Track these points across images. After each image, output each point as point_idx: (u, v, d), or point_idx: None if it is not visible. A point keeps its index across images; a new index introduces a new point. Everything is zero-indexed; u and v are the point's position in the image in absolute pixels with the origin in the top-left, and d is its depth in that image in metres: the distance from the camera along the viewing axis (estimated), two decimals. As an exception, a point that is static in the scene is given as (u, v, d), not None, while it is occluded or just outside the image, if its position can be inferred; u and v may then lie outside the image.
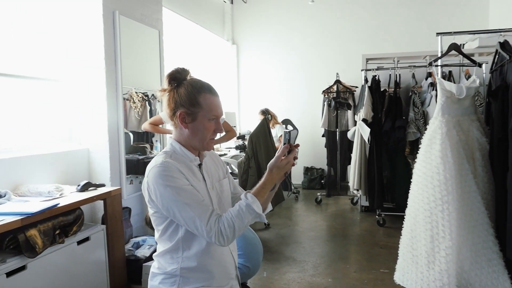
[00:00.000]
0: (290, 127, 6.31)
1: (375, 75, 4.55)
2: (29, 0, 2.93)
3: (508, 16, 5.37)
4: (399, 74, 4.43)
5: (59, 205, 2.30)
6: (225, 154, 5.30)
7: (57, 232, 2.32)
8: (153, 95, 3.81)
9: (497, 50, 2.56)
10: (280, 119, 6.19)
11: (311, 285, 3.00)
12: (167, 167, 1.33)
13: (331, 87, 5.78)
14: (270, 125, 5.28)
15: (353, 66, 6.01)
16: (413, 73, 4.41)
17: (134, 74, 3.64)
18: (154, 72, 3.98)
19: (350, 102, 5.66)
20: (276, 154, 1.38)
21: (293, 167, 1.43)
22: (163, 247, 1.43)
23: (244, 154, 4.45)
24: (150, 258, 2.98)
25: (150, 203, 1.38)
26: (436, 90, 2.80)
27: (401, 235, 2.65)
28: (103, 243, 2.73)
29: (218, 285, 1.45)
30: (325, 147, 5.94)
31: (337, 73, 5.74)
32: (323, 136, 5.99)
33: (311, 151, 6.68)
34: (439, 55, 2.85)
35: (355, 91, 5.83)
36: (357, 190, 4.72)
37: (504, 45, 2.48)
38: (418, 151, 2.59)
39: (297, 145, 1.44)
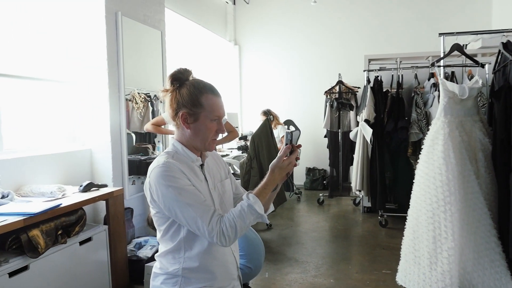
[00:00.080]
0: (292, 128, 6.30)
1: (378, 76, 4.55)
2: (33, 2, 2.94)
3: (511, 17, 5.35)
4: (402, 75, 4.42)
5: (61, 206, 2.31)
6: (227, 155, 5.30)
7: (60, 232, 2.33)
8: (155, 95, 3.81)
9: (500, 51, 2.56)
10: (282, 120, 6.19)
11: (313, 286, 3.00)
12: (169, 167, 1.33)
13: (333, 87, 5.77)
14: (272, 126, 5.28)
15: (355, 66, 6.00)
16: (416, 74, 4.40)
17: (137, 75, 3.64)
18: (157, 73, 3.98)
19: (352, 102, 5.65)
20: (278, 155, 1.38)
21: (295, 167, 1.43)
22: (165, 247, 1.43)
23: (246, 155, 4.45)
24: (152, 259, 2.98)
25: (152, 203, 1.38)
26: (438, 91, 2.79)
27: (403, 236, 2.65)
28: (105, 244, 2.74)
29: (220, 286, 1.45)
30: (327, 147, 5.94)
31: (339, 74, 5.73)
32: (325, 136, 5.98)
33: (313, 151, 6.68)
34: (442, 55, 2.85)
35: (357, 91, 5.82)
36: (359, 191, 4.71)
37: (507, 45, 2.47)
38: (421, 152, 2.59)
39: (299, 146, 1.44)
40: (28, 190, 2.56)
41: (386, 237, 4.11)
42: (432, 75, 4.22)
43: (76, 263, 2.46)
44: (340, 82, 5.67)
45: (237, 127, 5.88)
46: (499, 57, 2.59)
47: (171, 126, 3.34)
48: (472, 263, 2.37)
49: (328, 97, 5.84)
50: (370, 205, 4.80)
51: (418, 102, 4.15)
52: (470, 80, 2.95)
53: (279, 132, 5.66)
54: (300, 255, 3.62)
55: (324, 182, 6.63)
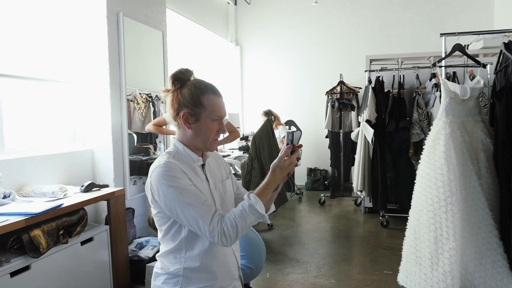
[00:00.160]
0: (293, 128, 6.30)
1: (379, 76, 4.55)
2: (34, 2, 2.94)
3: (513, 17, 5.34)
4: (403, 75, 4.42)
5: (63, 206, 2.31)
6: (228, 155, 5.30)
7: (61, 232, 2.33)
8: (156, 96, 3.82)
9: (501, 51, 2.55)
10: (283, 120, 6.19)
11: (314, 286, 2.99)
12: (170, 167, 1.33)
13: (334, 88, 5.77)
14: (273, 126, 5.28)
15: (356, 67, 6.00)
16: (417, 74, 4.40)
17: (138, 75, 3.65)
18: (158, 73, 3.99)
19: (354, 103, 5.64)
20: (279, 155, 1.38)
21: (297, 168, 1.43)
22: (166, 247, 1.43)
23: (248, 155, 4.45)
24: (153, 259, 2.99)
25: (153, 203, 1.39)
26: (440, 91, 2.78)
27: (404, 236, 2.64)
28: (107, 244, 2.74)
29: (221, 286, 1.45)
30: (329, 148, 5.93)
31: (341, 74, 5.72)
32: (326, 137, 5.98)
33: (315, 152, 6.68)
34: (443, 55, 2.84)
35: (358, 92, 5.82)
36: (361, 191, 4.71)
37: (508, 45, 2.47)
38: (422, 152, 2.58)
39: (300, 146, 1.43)
40: (29, 190, 2.56)
41: (388, 237, 4.10)
42: (434, 75, 4.21)
43: (77, 263, 2.46)
44: (341, 83, 5.66)
45: (238, 127, 5.87)
46: (501, 57, 2.58)
47: (172, 127, 3.34)
48: (474, 264, 2.36)
49: (329, 97, 5.83)
50: (372, 205, 4.80)
51: (419, 103, 4.15)
52: (471, 80, 2.95)
53: (280, 133, 5.67)
54: (301, 255, 3.62)
55: (326, 182, 6.63)
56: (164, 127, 3.58)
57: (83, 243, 2.52)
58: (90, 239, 2.58)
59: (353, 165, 5.17)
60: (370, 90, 4.45)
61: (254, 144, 4.28)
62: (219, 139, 1.49)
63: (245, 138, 5.94)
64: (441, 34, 2.88)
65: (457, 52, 2.82)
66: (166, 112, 1.53)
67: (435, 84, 4.10)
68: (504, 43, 2.51)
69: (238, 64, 7.18)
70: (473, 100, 2.53)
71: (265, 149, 4.24)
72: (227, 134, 3.78)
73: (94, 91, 3.25)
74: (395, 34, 6.43)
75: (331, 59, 6.71)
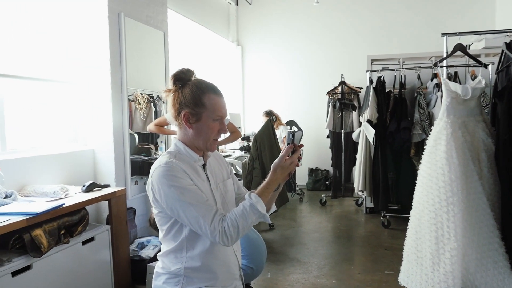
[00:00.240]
0: (294, 128, 6.30)
1: (380, 76, 4.54)
2: (36, 3, 2.95)
3: (515, 17, 5.34)
4: (404, 75, 4.42)
5: (64, 205, 2.31)
6: (229, 155, 5.31)
7: (62, 232, 2.34)
8: (158, 96, 3.82)
9: (503, 51, 2.55)
10: (284, 120, 6.19)
11: (315, 286, 2.99)
12: (172, 167, 1.33)
13: (336, 88, 5.77)
14: (274, 126, 5.28)
15: (358, 67, 5.99)
16: (419, 74, 4.39)
17: (139, 76, 3.65)
18: (159, 73, 3.99)
19: (355, 103, 5.64)
20: (280, 154, 1.38)
21: (298, 168, 1.43)
22: (167, 247, 1.44)
23: (249, 155, 4.46)
24: (154, 259, 2.99)
25: (155, 203, 1.39)
26: (441, 91, 2.78)
27: (405, 236, 2.64)
28: (108, 244, 2.74)
29: (222, 286, 1.46)
30: (330, 148, 5.93)
31: (342, 74, 5.72)
32: (328, 137, 5.98)
33: (316, 152, 6.68)
34: (445, 55, 2.84)
35: (360, 92, 5.82)
36: (362, 191, 4.71)
37: (510, 45, 2.47)
38: (423, 152, 2.58)
39: (301, 145, 1.43)
40: (31, 190, 2.57)
41: (389, 237, 4.10)
42: (435, 75, 4.21)
43: (78, 263, 2.46)
44: (342, 83, 5.66)
45: (239, 127, 5.89)
46: (502, 57, 2.58)
47: (173, 127, 3.34)
48: (475, 264, 2.36)
49: (330, 97, 5.83)
50: (373, 205, 4.79)
51: (421, 103, 4.14)
52: (473, 80, 2.94)
53: (281, 133, 5.67)
54: (302, 255, 3.62)
55: (327, 182, 6.62)
56: (165, 127, 3.58)
57: (84, 243, 2.52)
58: (91, 239, 2.58)
59: (355, 165, 5.17)
60: (372, 90, 4.45)
61: (255, 144, 4.28)
62: (220, 139, 1.49)
63: (246, 138, 5.94)
64: (442, 34, 2.88)
65: (458, 52, 2.82)
66: (168, 112, 1.53)
67: (436, 84, 4.10)
68: (505, 43, 2.51)
69: (239, 64, 7.19)
70: (475, 100, 2.53)
71: (266, 149, 4.24)
72: (228, 134, 3.78)
73: (95, 91, 3.26)
74: (396, 34, 6.42)
75: (332, 59, 6.70)
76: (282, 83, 7.02)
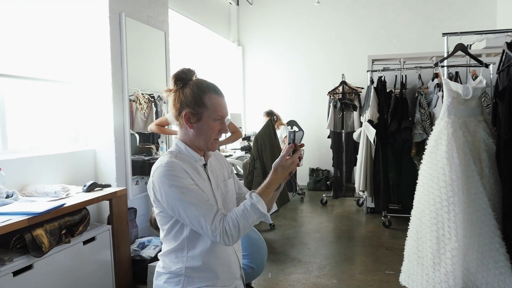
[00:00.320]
0: (295, 128, 6.30)
1: (381, 76, 4.54)
2: (38, 4, 2.96)
3: (516, 17, 5.33)
4: (405, 75, 4.41)
5: (65, 205, 2.32)
6: (230, 155, 5.31)
7: (63, 232, 2.34)
8: (159, 96, 3.82)
9: (504, 51, 2.55)
10: (285, 121, 6.19)
11: (316, 286, 2.99)
12: (172, 166, 1.33)
13: (336, 88, 5.77)
14: (275, 126, 5.28)
15: (358, 67, 5.99)
16: (419, 74, 4.39)
17: (140, 76, 3.66)
18: (160, 73, 4.00)
19: (356, 103, 5.64)
20: (281, 154, 1.38)
21: (299, 168, 1.43)
22: (168, 246, 1.44)
23: (250, 155, 4.46)
24: (155, 259, 2.99)
25: (155, 203, 1.39)
26: (442, 91, 2.78)
27: (406, 236, 2.64)
28: (109, 243, 2.74)
29: (223, 285, 1.46)
30: (331, 148, 5.93)
31: (343, 74, 5.72)
32: (328, 137, 5.98)
33: (317, 152, 6.68)
34: (445, 55, 2.84)
35: (361, 92, 5.82)
36: (363, 191, 4.71)
37: (511, 45, 2.46)
38: (424, 152, 2.58)
39: (302, 145, 1.44)
40: (32, 190, 2.57)
41: (390, 237, 4.09)
42: (436, 75, 4.20)
43: (79, 263, 2.47)
44: (343, 83, 5.66)
45: (240, 127, 5.89)
46: (503, 57, 2.58)
47: (174, 127, 3.35)
48: (476, 264, 2.35)
49: (331, 97, 5.83)
50: (374, 205, 4.79)
51: (421, 103, 4.14)
52: (474, 80, 2.94)
53: (282, 133, 5.67)
54: (303, 255, 3.62)
55: (328, 182, 6.62)
56: (166, 127, 3.59)
57: (85, 242, 2.52)
58: (92, 239, 2.59)
59: (355, 165, 5.16)
60: (372, 90, 4.45)
61: (256, 144, 4.28)
62: (221, 139, 1.49)
63: (247, 138, 5.94)
64: (443, 34, 2.87)
65: (459, 52, 2.81)
66: (168, 112, 1.54)
67: (437, 84, 4.09)
68: (506, 42, 2.51)
69: (240, 64, 7.19)
70: (476, 100, 2.52)
71: (267, 149, 4.24)
72: (229, 134, 3.78)
73: (96, 92, 3.26)
74: (397, 34, 6.42)
75: (333, 59, 6.70)
76: (283, 83, 7.02)
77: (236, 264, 1.52)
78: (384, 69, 4.70)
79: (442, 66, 2.87)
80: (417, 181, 2.61)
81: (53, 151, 2.96)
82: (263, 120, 5.40)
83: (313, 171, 6.74)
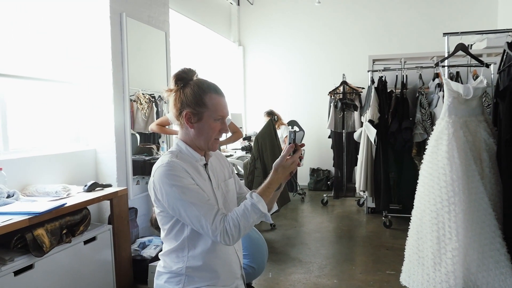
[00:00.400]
0: (296, 128, 6.30)
1: (382, 76, 4.54)
2: (39, 3, 2.96)
3: (517, 17, 5.32)
4: (406, 75, 4.41)
5: (66, 205, 2.32)
6: (231, 155, 5.31)
7: (64, 231, 2.34)
8: (159, 96, 3.83)
9: (505, 50, 2.54)
10: (286, 121, 6.19)
11: (316, 286, 2.99)
12: (173, 166, 1.34)
13: (337, 88, 5.76)
14: (276, 126, 5.28)
15: (359, 67, 5.99)
16: (420, 74, 4.38)
17: (141, 76, 3.66)
18: (161, 73, 4.00)
19: (357, 103, 5.64)
20: (281, 154, 1.38)
21: (299, 168, 1.43)
22: (169, 246, 1.44)
23: (250, 155, 4.46)
24: (156, 258, 2.99)
25: (156, 202, 1.39)
26: (443, 91, 2.77)
27: (407, 236, 2.64)
28: (110, 243, 2.75)
29: (223, 285, 1.46)
30: (332, 148, 5.93)
31: (344, 74, 5.72)
32: (329, 137, 5.98)
33: (317, 152, 6.68)
34: (446, 55, 2.83)
35: (361, 92, 5.82)
36: (364, 191, 4.70)
37: (512, 45, 2.46)
38: (425, 152, 2.57)
39: (302, 145, 1.44)
40: (33, 190, 2.58)
41: (390, 237, 4.09)
42: (437, 75, 4.20)
43: (80, 262, 2.47)
44: (344, 83, 5.66)
45: (241, 127, 5.89)
46: (504, 56, 2.57)
47: (175, 126, 3.35)
48: (477, 264, 2.35)
49: (332, 97, 5.83)
50: (374, 205, 4.79)
51: (422, 103, 4.14)
52: (475, 80, 2.94)
53: (282, 132, 5.67)
54: (304, 255, 3.62)
55: (328, 182, 6.62)
56: (167, 127, 3.59)
57: (86, 242, 2.53)
58: (93, 239, 2.59)
59: (356, 165, 5.16)
60: (373, 90, 4.44)
61: (257, 144, 4.28)
62: (221, 139, 1.49)
63: (247, 138, 5.95)
64: (444, 33, 2.87)
65: (460, 52, 2.81)
66: (169, 111, 1.54)
67: (438, 84, 4.09)
68: (507, 42, 2.51)
69: (241, 64, 7.19)
70: (476, 99, 2.52)
71: (268, 149, 4.24)
72: (229, 134, 3.78)
73: (97, 91, 3.27)
74: (398, 34, 6.41)
75: (334, 59, 6.70)
76: (283, 83, 7.02)
77: (236, 264, 1.53)
78: (384, 69, 4.69)
79: (443, 66, 2.87)
80: (417, 181, 2.61)
81: (54, 151, 2.97)
82: (264, 120, 5.40)
83: (314, 171, 6.74)
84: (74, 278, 2.41)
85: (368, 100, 4.58)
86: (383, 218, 4.46)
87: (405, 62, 4.57)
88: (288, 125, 6.13)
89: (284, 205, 4.52)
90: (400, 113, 4.26)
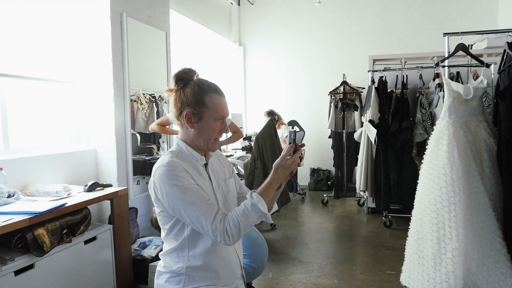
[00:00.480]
0: (296, 128, 6.30)
1: (382, 76, 4.54)
2: (40, 3, 2.96)
3: (517, 17, 5.32)
4: (406, 75, 4.41)
5: (66, 205, 2.32)
6: (231, 155, 5.31)
7: (65, 231, 2.35)
8: (160, 96, 3.83)
9: (505, 50, 2.54)
10: (286, 121, 6.19)
11: (316, 286, 2.99)
12: (173, 166, 1.34)
13: (337, 88, 5.77)
14: (276, 126, 5.28)
15: (359, 67, 5.99)
16: (421, 74, 4.39)
17: (141, 76, 3.66)
18: (161, 73, 4.00)
19: (357, 103, 5.64)
20: (282, 154, 1.38)
21: (300, 168, 1.43)
22: (169, 246, 1.44)
23: (250, 155, 4.46)
24: (156, 258, 3.00)
25: (156, 202, 1.39)
26: (443, 91, 2.77)
27: (407, 236, 2.64)
28: (110, 243, 2.75)
29: (224, 284, 1.46)
30: (332, 148, 5.93)
31: (344, 74, 5.73)
32: (329, 137, 5.98)
33: (318, 152, 6.68)
34: (446, 55, 2.83)
35: (362, 92, 5.82)
36: (364, 191, 4.70)
37: (512, 45, 2.46)
38: (425, 152, 2.57)
39: (303, 145, 1.43)
40: (33, 190, 2.58)
41: (390, 237, 4.09)
42: (437, 75, 4.20)
43: (80, 262, 2.47)
44: (344, 83, 5.66)
45: (241, 127, 5.89)
46: (505, 56, 2.57)
47: (176, 126, 3.35)
48: (477, 264, 2.35)
49: (332, 97, 5.83)
50: (375, 205, 4.79)
51: (423, 103, 4.14)
52: (475, 80, 2.94)
53: (282, 132, 5.67)
54: (304, 255, 3.62)
55: (329, 182, 6.62)
56: (167, 126, 3.59)
57: (86, 242, 2.53)
58: (94, 238, 2.59)
59: (356, 165, 5.16)
60: (373, 90, 4.45)
61: (257, 144, 4.29)
62: (221, 139, 1.49)
63: (248, 138, 5.95)
64: (444, 33, 2.87)
65: (460, 52, 2.81)
66: (169, 111, 1.54)
67: (438, 84, 4.09)
68: (507, 42, 2.50)
69: (241, 64, 7.19)
70: (477, 100, 2.52)
71: (268, 149, 4.24)
72: (230, 134, 3.78)
73: (97, 91, 3.27)
74: (398, 34, 6.42)
75: (334, 59, 6.70)
76: (284, 83, 7.02)
77: (237, 264, 1.53)
78: (385, 69, 4.70)
79: (443, 66, 2.86)
80: (418, 181, 2.60)
81: (54, 151, 2.97)
82: (264, 120, 5.40)
83: (314, 171, 6.74)
84: (75, 278, 2.42)
85: (369, 100, 4.58)
86: (383, 218, 4.46)
87: (405, 62, 4.57)
88: (289, 125, 6.13)
89: (284, 205, 4.52)
90: (401, 113, 4.26)
